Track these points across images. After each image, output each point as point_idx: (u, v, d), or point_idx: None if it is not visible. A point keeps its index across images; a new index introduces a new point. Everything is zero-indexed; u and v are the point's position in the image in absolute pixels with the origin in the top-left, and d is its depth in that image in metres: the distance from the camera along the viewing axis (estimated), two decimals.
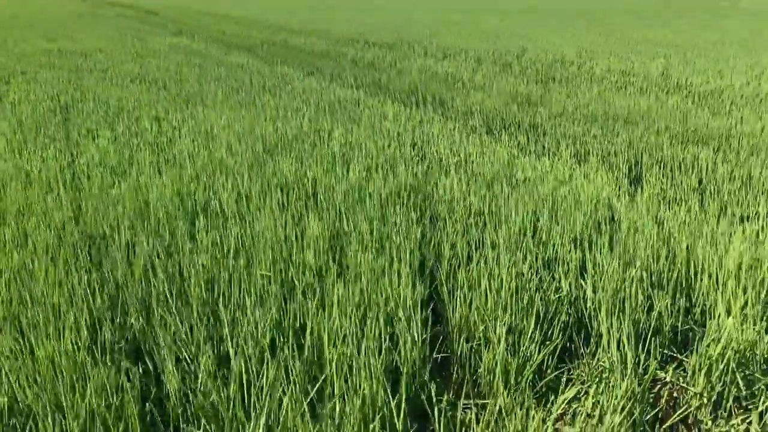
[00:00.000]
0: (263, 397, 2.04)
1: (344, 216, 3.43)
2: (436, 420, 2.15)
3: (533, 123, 6.24)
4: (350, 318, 2.41)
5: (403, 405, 2.04)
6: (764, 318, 2.68)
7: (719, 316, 2.60)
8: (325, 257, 2.99)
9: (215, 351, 2.33)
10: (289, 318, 2.46)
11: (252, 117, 6.23)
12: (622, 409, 2.14)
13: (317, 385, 2.16)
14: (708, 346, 2.44)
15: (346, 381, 2.14)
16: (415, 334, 2.38)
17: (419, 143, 5.34)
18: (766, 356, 2.49)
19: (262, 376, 2.11)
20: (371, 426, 1.98)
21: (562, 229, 3.28)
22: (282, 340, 2.36)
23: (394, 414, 2.05)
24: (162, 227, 3.36)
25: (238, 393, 2.07)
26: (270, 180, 4.12)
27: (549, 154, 5.08)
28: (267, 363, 2.19)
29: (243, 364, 2.18)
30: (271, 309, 2.48)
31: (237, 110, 6.65)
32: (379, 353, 2.28)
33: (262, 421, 1.95)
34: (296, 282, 2.76)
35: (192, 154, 4.74)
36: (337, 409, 2.00)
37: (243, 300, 2.58)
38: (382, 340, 2.34)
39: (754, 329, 2.47)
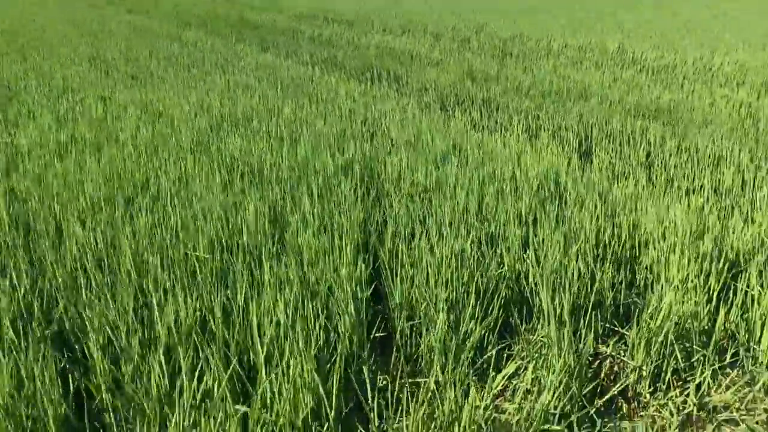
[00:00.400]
0: (189, 382, 1.97)
1: (288, 194, 3.35)
2: (371, 400, 2.10)
3: (487, 98, 6.20)
4: (286, 298, 2.34)
5: (335, 387, 1.99)
6: (705, 290, 2.69)
7: (661, 288, 2.59)
8: (266, 236, 2.91)
9: (144, 335, 2.24)
10: (221, 299, 2.38)
11: (202, 94, 6.06)
12: (560, 383, 2.13)
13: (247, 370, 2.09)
14: (649, 318, 2.43)
15: (277, 365, 2.08)
16: (353, 313, 2.33)
17: (371, 119, 5.26)
18: (705, 328, 2.50)
19: (189, 359, 2.04)
20: (301, 409, 1.92)
21: (508, 205, 3.24)
22: (212, 322, 2.28)
23: (331, 396, 2.00)
24: (98, 209, 3.23)
25: (165, 378, 2.00)
26: (215, 157, 4.01)
27: (501, 130, 5.04)
28: (195, 346, 2.12)
29: (170, 350, 2.11)
30: (202, 292, 2.40)
31: (187, 88, 6.47)
32: (316, 334, 2.22)
33: (185, 418, 1.88)
34: (234, 262, 2.68)
35: (136, 133, 4.59)
36: (268, 392, 1.94)
37: (174, 282, 2.49)
38: (320, 320, 2.28)
39: (694, 301, 2.47)
